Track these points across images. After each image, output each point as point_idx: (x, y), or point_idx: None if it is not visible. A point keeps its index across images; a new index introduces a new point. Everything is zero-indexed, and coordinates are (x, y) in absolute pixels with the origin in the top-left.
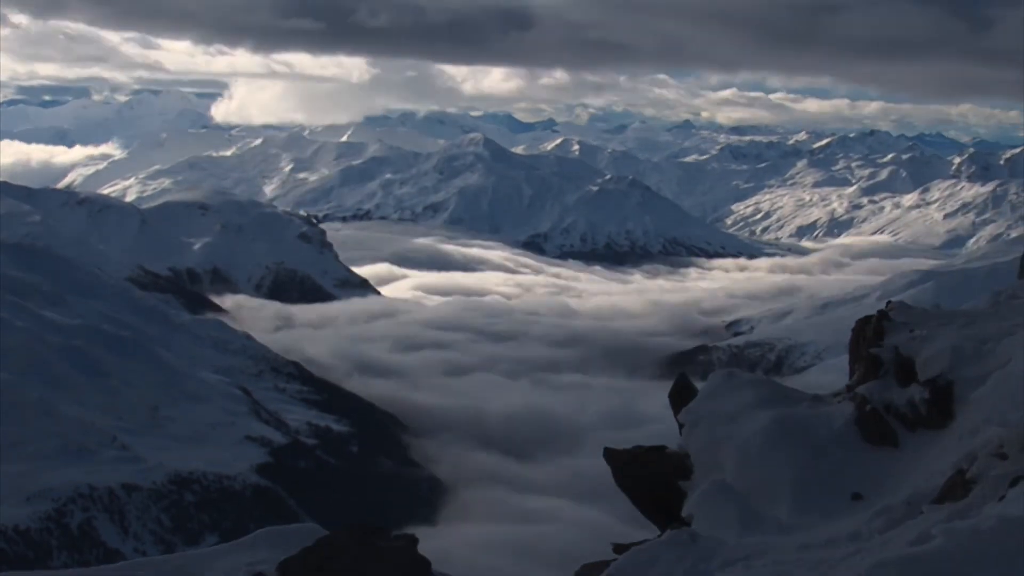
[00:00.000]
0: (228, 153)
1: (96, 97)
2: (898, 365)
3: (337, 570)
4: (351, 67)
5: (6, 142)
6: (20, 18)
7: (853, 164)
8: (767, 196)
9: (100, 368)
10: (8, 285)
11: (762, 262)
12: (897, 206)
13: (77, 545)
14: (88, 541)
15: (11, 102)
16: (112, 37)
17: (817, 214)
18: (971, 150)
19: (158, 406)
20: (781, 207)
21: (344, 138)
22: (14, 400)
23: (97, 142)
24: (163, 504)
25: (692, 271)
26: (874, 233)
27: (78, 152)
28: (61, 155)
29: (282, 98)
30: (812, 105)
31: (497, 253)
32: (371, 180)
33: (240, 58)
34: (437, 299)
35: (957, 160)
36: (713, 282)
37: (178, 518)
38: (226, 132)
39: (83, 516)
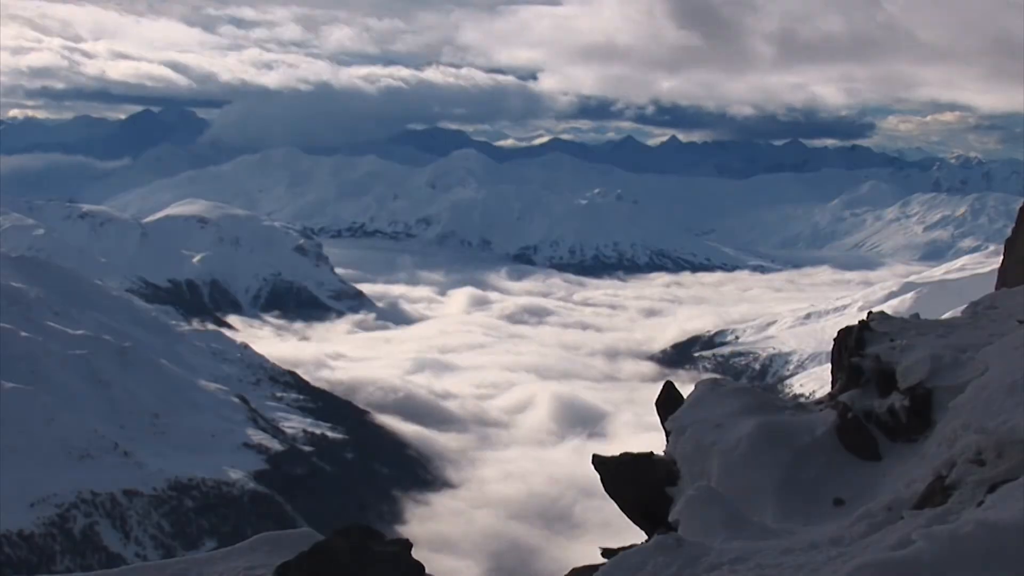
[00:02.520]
0: (227, 168)
1: (96, 114)
2: (879, 374)
3: (332, 574)
4: None
5: (6, 157)
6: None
7: (835, 178)
8: (752, 209)
9: (102, 377)
10: (12, 296)
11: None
12: (878, 219)
13: (79, 550)
14: (90, 546)
15: (13, 118)
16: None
17: (800, 227)
18: (951, 164)
19: (159, 414)
20: (765, 220)
21: (339, 154)
22: (18, 408)
23: (99, 156)
24: (163, 510)
25: None
26: (855, 247)
27: (80, 167)
28: (64, 169)
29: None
30: None
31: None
32: (366, 194)
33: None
34: None
35: (937, 174)
36: None
37: (178, 523)
38: (225, 147)
39: (86, 521)
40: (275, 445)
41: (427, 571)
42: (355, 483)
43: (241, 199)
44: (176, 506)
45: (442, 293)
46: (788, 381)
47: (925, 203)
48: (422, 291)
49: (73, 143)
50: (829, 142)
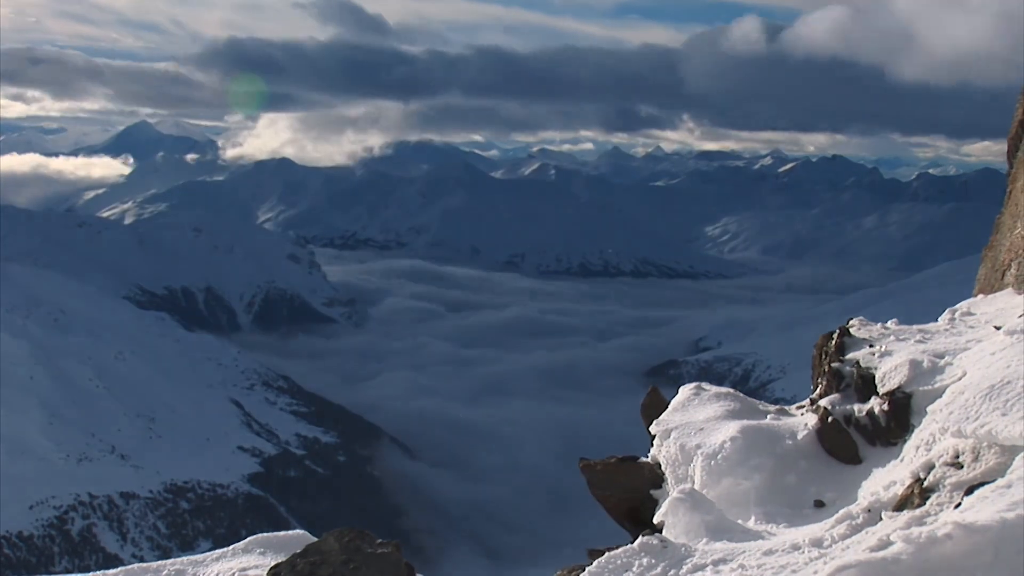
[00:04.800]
0: (221, 178)
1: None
2: (858, 379)
3: (325, 575)
4: None
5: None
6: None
7: (816, 188)
8: (734, 218)
9: (100, 382)
10: (13, 303)
11: None
12: (858, 227)
13: (78, 551)
14: (88, 547)
15: (12, 128)
16: None
17: (782, 235)
18: (929, 173)
19: (155, 418)
20: (747, 228)
21: (332, 164)
22: (18, 412)
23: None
24: (160, 511)
25: None
26: (835, 254)
27: (78, 177)
28: (62, 178)
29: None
30: None
31: None
32: (358, 204)
33: None
34: None
35: (915, 184)
36: None
37: (174, 525)
38: (219, 158)
39: (84, 523)
40: (269, 448)
41: (417, 572)
42: (346, 485)
43: (235, 208)
44: (172, 508)
45: None
46: (770, 386)
47: (904, 212)
48: None
49: (71, 154)
50: (811, 149)
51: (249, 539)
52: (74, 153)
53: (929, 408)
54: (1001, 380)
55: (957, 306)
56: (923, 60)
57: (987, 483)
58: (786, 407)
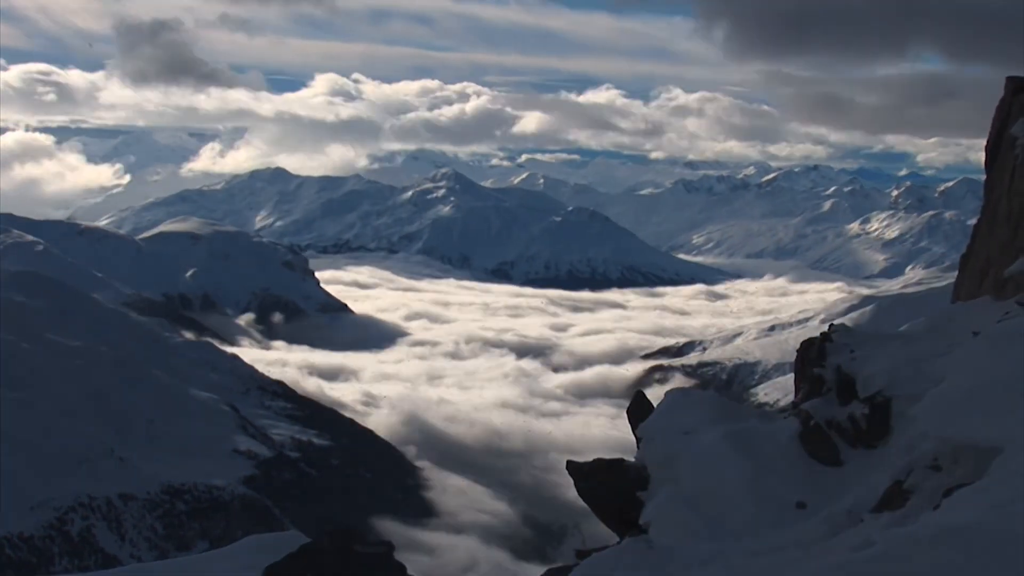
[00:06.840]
0: (217, 187)
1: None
2: (840, 383)
3: (318, 575)
4: None
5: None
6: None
7: (798, 196)
8: (718, 226)
9: (99, 386)
10: (15, 310)
11: None
12: (839, 235)
13: (77, 552)
14: (87, 548)
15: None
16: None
17: (764, 243)
18: (908, 183)
19: (153, 421)
20: (731, 236)
21: (325, 173)
22: (20, 416)
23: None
24: (157, 513)
25: None
26: (817, 261)
27: (77, 183)
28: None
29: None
30: None
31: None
32: (350, 212)
33: None
34: None
35: (895, 193)
36: None
37: (171, 526)
38: (215, 167)
39: (83, 524)
40: (264, 451)
41: (408, 572)
42: (340, 488)
43: (231, 217)
44: (169, 509)
45: None
46: (753, 390)
47: (884, 220)
48: None
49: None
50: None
51: (244, 540)
52: (75, 161)
53: (909, 412)
54: (979, 385)
55: (936, 312)
56: None
57: (966, 485)
58: (769, 411)
